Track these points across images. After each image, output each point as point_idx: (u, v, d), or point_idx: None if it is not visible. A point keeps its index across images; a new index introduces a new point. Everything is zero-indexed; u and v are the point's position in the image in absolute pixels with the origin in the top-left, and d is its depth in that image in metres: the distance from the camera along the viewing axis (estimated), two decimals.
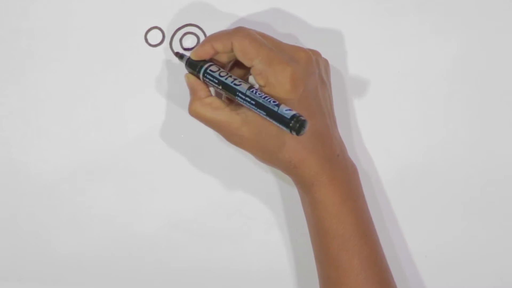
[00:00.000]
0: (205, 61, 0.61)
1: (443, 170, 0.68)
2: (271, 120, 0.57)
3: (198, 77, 0.61)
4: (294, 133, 0.55)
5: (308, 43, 0.68)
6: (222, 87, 0.59)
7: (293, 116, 0.55)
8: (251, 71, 0.59)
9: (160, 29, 0.68)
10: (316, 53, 0.63)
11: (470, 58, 0.68)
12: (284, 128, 0.56)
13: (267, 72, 0.58)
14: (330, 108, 0.62)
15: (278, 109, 0.56)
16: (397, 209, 0.68)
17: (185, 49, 0.67)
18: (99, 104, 0.67)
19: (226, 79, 0.59)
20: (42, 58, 0.67)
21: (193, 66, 0.61)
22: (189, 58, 0.62)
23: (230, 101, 0.62)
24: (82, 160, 0.67)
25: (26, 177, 0.67)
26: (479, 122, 0.68)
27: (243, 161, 0.68)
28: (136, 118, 0.67)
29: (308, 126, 0.55)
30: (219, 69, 0.60)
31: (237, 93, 0.58)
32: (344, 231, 0.59)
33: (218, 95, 0.63)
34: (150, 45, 0.68)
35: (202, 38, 0.67)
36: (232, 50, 0.59)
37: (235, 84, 0.59)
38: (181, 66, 0.66)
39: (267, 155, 0.60)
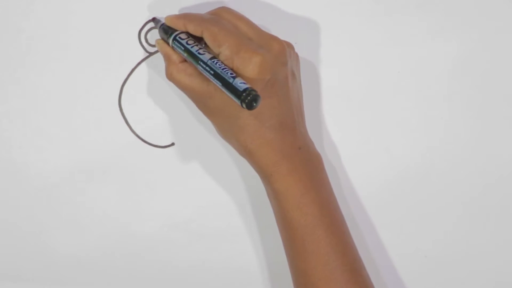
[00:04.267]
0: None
1: (443, 170, 0.68)
2: (225, 91, 0.56)
3: (168, 43, 0.62)
4: (244, 105, 0.54)
5: (306, 42, 0.68)
6: (187, 55, 0.60)
7: (245, 89, 0.55)
8: (219, 57, 0.59)
9: None
10: (290, 46, 0.63)
11: (470, 58, 0.68)
12: (236, 100, 0.55)
13: (234, 58, 0.58)
14: (297, 101, 0.62)
15: (233, 81, 0.56)
16: (397, 209, 0.68)
17: None
18: (99, 104, 0.67)
19: (192, 47, 0.60)
20: (42, 58, 0.67)
21: (166, 31, 0.63)
22: (163, 24, 0.63)
23: None
24: (82, 160, 0.67)
25: (26, 177, 0.67)
26: (480, 122, 0.68)
27: (243, 161, 0.67)
28: (136, 118, 0.67)
29: (259, 103, 0.55)
30: (188, 37, 0.61)
31: (199, 61, 0.59)
32: (308, 222, 0.59)
33: None
34: (150, 45, 0.68)
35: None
36: (201, 34, 0.60)
37: (199, 53, 0.59)
38: None
39: (227, 134, 0.61)
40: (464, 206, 0.68)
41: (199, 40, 0.61)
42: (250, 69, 0.57)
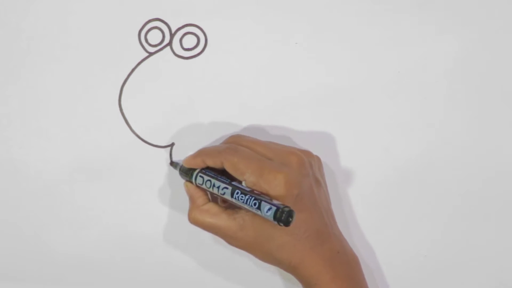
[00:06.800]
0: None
1: (443, 170, 0.68)
2: (259, 213, 0.57)
3: (192, 182, 0.63)
4: (281, 224, 0.55)
5: (306, 42, 0.68)
6: (213, 189, 0.61)
7: (278, 207, 0.56)
8: (245, 184, 0.60)
9: (160, 29, 0.68)
10: (307, 154, 0.63)
11: (470, 58, 0.68)
12: (272, 220, 0.56)
13: (260, 182, 0.59)
14: (326, 205, 0.63)
15: (261, 203, 0.57)
16: (396, 209, 0.68)
17: (186, 49, 0.68)
18: (99, 104, 0.67)
19: (213, 185, 0.61)
20: (42, 58, 0.67)
21: (186, 172, 0.64)
22: (182, 166, 0.64)
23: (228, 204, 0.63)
24: (82, 160, 0.67)
25: (26, 177, 0.67)
26: (479, 122, 0.68)
27: None
28: (136, 118, 0.68)
29: (296, 218, 0.56)
30: (209, 175, 0.62)
31: (234, 193, 0.59)
32: None
33: (214, 199, 0.64)
34: (150, 45, 0.68)
35: (202, 38, 0.67)
36: (222, 166, 0.61)
37: (225, 188, 0.60)
38: (181, 66, 0.67)
39: (267, 257, 0.62)
40: (463, 206, 0.68)
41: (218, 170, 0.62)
42: (277, 188, 0.59)
